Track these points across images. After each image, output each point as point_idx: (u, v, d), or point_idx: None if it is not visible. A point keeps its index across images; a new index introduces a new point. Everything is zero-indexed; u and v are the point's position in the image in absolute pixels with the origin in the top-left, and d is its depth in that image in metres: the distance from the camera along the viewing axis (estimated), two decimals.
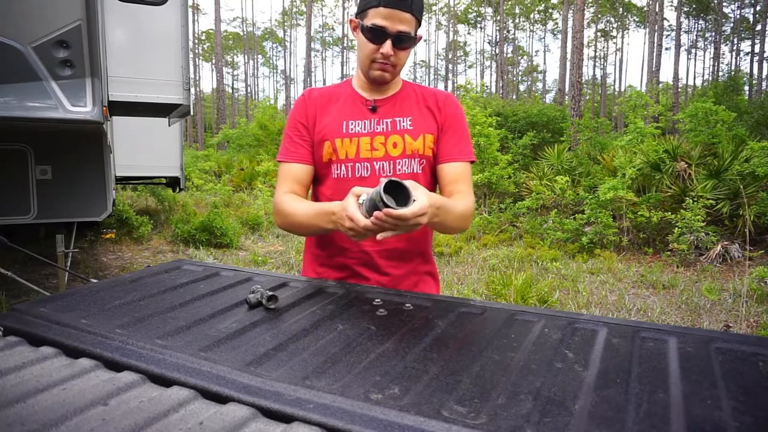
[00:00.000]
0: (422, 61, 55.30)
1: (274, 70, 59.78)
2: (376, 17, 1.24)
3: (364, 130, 1.35)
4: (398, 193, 1.01)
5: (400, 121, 1.35)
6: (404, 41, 1.27)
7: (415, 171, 1.36)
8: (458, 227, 1.29)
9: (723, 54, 39.86)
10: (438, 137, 1.37)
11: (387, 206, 0.98)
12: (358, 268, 1.39)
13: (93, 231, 6.67)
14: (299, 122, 1.38)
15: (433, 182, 1.42)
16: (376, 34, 1.25)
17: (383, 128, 1.35)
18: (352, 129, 1.35)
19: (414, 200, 1.01)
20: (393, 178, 1.01)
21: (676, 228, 6.62)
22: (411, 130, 1.34)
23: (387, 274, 1.38)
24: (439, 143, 1.37)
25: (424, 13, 1.35)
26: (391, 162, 1.34)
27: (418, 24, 1.30)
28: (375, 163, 1.34)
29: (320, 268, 1.44)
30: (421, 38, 1.34)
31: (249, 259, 6.62)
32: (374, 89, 1.39)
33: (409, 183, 1.02)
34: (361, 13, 1.28)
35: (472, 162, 1.39)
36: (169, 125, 5.01)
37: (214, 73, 40.74)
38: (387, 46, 1.26)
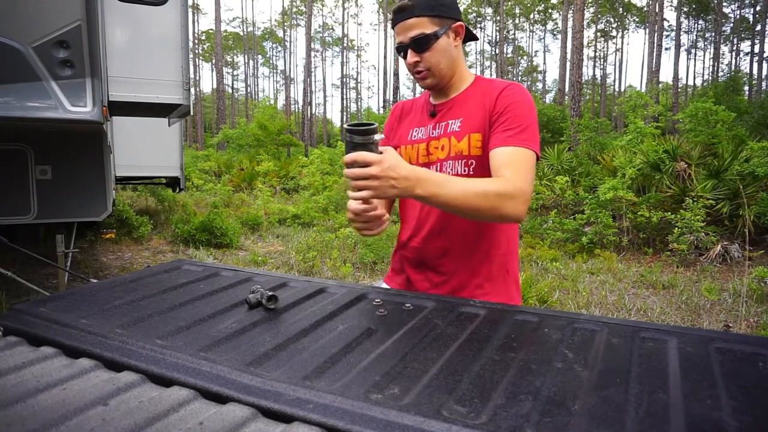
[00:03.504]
0: None
1: (274, 70, 59.80)
2: (396, 38, 1.33)
3: (423, 136, 1.40)
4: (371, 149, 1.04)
5: (451, 123, 1.35)
6: (421, 44, 1.28)
7: (459, 173, 1.31)
8: (478, 206, 1.11)
9: (723, 54, 39.90)
10: (489, 132, 1.28)
11: (350, 135, 1.02)
12: (408, 269, 1.43)
13: (93, 231, 6.67)
14: (386, 135, 1.52)
15: None
16: (400, 51, 1.33)
17: (438, 132, 1.37)
18: (414, 136, 1.42)
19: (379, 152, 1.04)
20: (366, 126, 1.03)
21: (676, 228, 6.62)
22: (458, 132, 1.32)
23: (431, 279, 1.38)
24: (490, 135, 1.27)
25: (437, 3, 1.29)
26: (439, 165, 1.34)
27: (440, 18, 1.28)
28: (429, 167, 1.36)
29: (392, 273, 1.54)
30: (458, 26, 1.32)
31: (249, 259, 6.62)
32: (438, 94, 1.42)
33: (379, 137, 1.04)
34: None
35: (530, 149, 1.22)
36: (169, 125, 5.00)
37: (214, 73, 40.75)
38: (409, 57, 1.31)
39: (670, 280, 5.65)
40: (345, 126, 1.04)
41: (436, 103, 1.41)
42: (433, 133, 1.37)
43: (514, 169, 1.18)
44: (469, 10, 42.06)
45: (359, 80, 61.62)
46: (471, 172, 1.29)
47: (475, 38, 1.43)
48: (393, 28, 1.33)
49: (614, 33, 45.73)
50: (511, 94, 1.28)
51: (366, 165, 1.01)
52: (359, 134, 1.01)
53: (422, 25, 1.27)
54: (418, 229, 1.39)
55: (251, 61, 50.69)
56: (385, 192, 1.03)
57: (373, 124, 1.03)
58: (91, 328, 0.86)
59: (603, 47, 45.44)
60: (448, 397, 0.64)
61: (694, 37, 44.56)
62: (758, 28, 35.16)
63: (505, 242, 1.37)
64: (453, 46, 1.33)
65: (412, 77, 1.40)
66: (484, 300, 1.14)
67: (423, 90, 1.45)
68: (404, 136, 1.45)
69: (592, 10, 36.71)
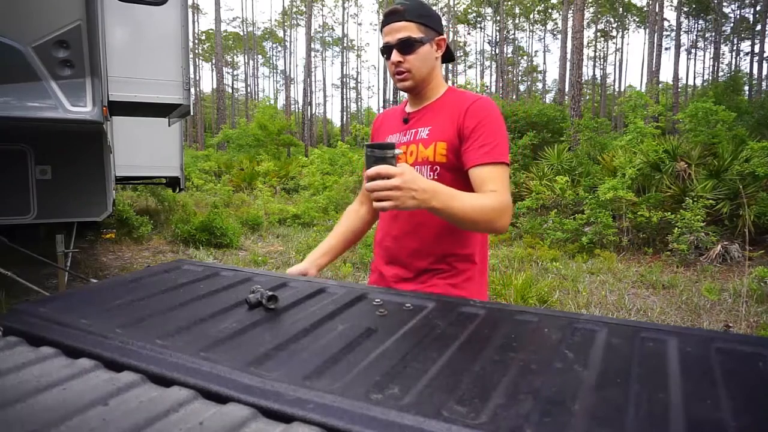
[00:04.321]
0: None
1: (274, 70, 59.79)
2: (383, 38, 1.41)
3: (395, 141, 1.47)
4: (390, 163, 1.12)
5: (420, 131, 1.43)
6: (407, 46, 1.37)
7: (425, 177, 1.36)
8: (477, 220, 1.23)
9: (723, 54, 39.92)
10: (459, 144, 1.36)
11: (371, 150, 1.11)
12: (381, 265, 1.52)
13: (93, 231, 6.67)
14: None
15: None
16: (385, 51, 1.41)
17: (408, 138, 1.46)
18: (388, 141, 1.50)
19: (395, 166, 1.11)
20: (385, 143, 1.12)
21: (676, 228, 6.61)
22: (425, 140, 1.41)
23: (396, 274, 1.47)
24: (464, 150, 1.35)
25: (426, 14, 1.40)
26: None
27: (426, 27, 1.38)
28: None
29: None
30: (440, 39, 1.43)
31: (249, 259, 6.62)
32: (414, 101, 1.50)
33: (398, 154, 1.12)
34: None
35: (504, 163, 1.33)
36: (169, 125, 5.01)
37: (214, 73, 40.72)
38: (394, 56, 1.38)
39: (670, 280, 5.65)
40: (365, 143, 1.14)
41: (410, 111, 1.50)
42: (402, 139, 1.46)
43: (497, 184, 1.30)
44: (469, 10, 42.06)
45: (359, 80, 61.64)
46: (436, 177, 1.38)
47: (452, 59, 1.53)
48: (382, 29, 1.42)
49: (614, 33, 45.74)
50: (479, 109, 1.37)
51: (389, 177, 1.08)
52: (380, 149, 1.10)
53: (410, 29, 1.36)
54: (390, 229, 1.49)
55: (251, 61, 50.69)
56: (404, 203, 1.10)
57: (391, 143, 1.13)
58: (91, 328, 0.86)
59: (603, 47, 45.47)
60: (448, 397, 0.64)
61: (694, 37, 44.56)
62: (758, 28, 35.14)
63: (471, 245, 1.45)
64: (434, 57, 1.42)
65: (393, 78, 1.47)
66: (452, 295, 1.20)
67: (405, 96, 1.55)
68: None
69: (592, 10, 36.72)
